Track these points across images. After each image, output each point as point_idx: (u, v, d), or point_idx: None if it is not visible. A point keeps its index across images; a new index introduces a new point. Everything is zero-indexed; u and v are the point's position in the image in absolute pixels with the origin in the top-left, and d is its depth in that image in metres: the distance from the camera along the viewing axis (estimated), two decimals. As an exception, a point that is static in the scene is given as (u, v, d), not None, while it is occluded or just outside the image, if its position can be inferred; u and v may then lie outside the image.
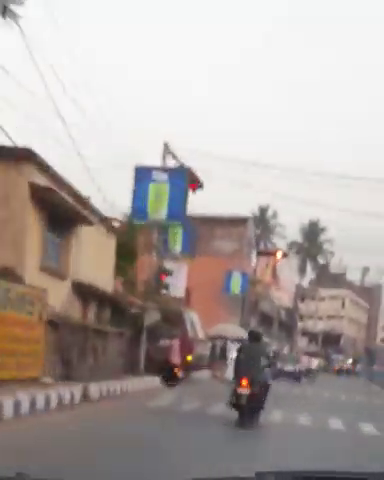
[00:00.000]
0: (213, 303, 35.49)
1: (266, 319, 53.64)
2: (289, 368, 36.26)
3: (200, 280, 33.74)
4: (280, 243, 68.25)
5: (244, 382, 11.42)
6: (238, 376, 11.63)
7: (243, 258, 41.75)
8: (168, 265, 24.70)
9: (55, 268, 15.78)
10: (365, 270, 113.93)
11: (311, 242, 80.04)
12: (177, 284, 26.00)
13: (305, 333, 76.93)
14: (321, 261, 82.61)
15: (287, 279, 64.48)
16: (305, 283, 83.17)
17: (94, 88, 48.58)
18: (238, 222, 40.53)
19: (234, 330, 34.02)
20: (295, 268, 76.48)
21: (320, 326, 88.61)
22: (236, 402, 11.50)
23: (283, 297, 62.57)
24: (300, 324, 76.21)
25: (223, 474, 3.02)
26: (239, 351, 12.17)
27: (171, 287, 24.67)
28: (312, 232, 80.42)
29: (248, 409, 11.44)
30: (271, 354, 25.97)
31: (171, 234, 26.21)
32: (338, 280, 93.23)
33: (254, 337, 12.53)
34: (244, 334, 25.88)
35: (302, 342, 69.99)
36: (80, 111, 19.66)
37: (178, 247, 26.97)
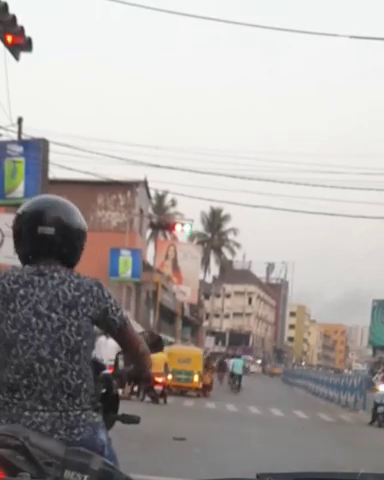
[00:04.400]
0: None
1: (167, 314, 45.89)
2: None
3: (83, 259, 25.14)
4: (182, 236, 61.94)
5: None
6: None
7: (134, 233, 33.58)
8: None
9: None
10: (270, 266, 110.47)
11: (214, 231, 73.73)
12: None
13: (211, 332, 70.61)
14: (225, 253, 76.27)
15: (190, 272, 58.17)
16: (209, 279, 76.96)
17: None
18: (125, 188, 32.39)
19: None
20: (198, 261, 70.26)
21: (227, 324, 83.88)
22: None
23: (186, 292, 56.22)
24: (206, 323, 70.07)
25: (223, 475, 2.42)
26: None
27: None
28: (215, 221, 74.12)
29: None
30: None
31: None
32: (243, 276, 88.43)
33: None
34: (140, 330, 22.04)
35: (209, 342, 63.54)
36: None
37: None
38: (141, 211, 35.18)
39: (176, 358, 21.51)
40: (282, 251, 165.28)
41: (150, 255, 43.03)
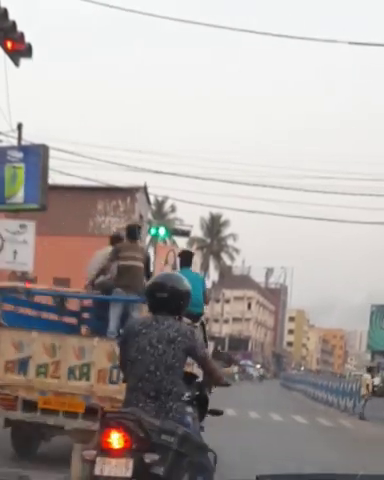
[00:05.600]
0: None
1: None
2: None
3: (83, 264, 25.37)
4: (181, 241, 61.86)
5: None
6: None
7: (133, 239, 33.43)
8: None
9: None
10: (269, 271, 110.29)
11: (213, 237, 73.68)
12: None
13: (211, 337, 70.55)
14: (225, 258, 76.18)
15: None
16: (208, 284, 76.80)
17: None
18: (125, 193, 32.36)
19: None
20: (197, 267, 70.19)
21: (226, 329, 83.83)
22: None
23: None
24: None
25: (224, 477, 3.36)
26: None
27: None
28: (214, 226, 74.06)
29: None
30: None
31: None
32: (242, 281, 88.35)
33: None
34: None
35: (209, 347, 63.46)
36: None
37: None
38: (141, 217, 35.14)
39: None
40: (281, 256, 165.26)
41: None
